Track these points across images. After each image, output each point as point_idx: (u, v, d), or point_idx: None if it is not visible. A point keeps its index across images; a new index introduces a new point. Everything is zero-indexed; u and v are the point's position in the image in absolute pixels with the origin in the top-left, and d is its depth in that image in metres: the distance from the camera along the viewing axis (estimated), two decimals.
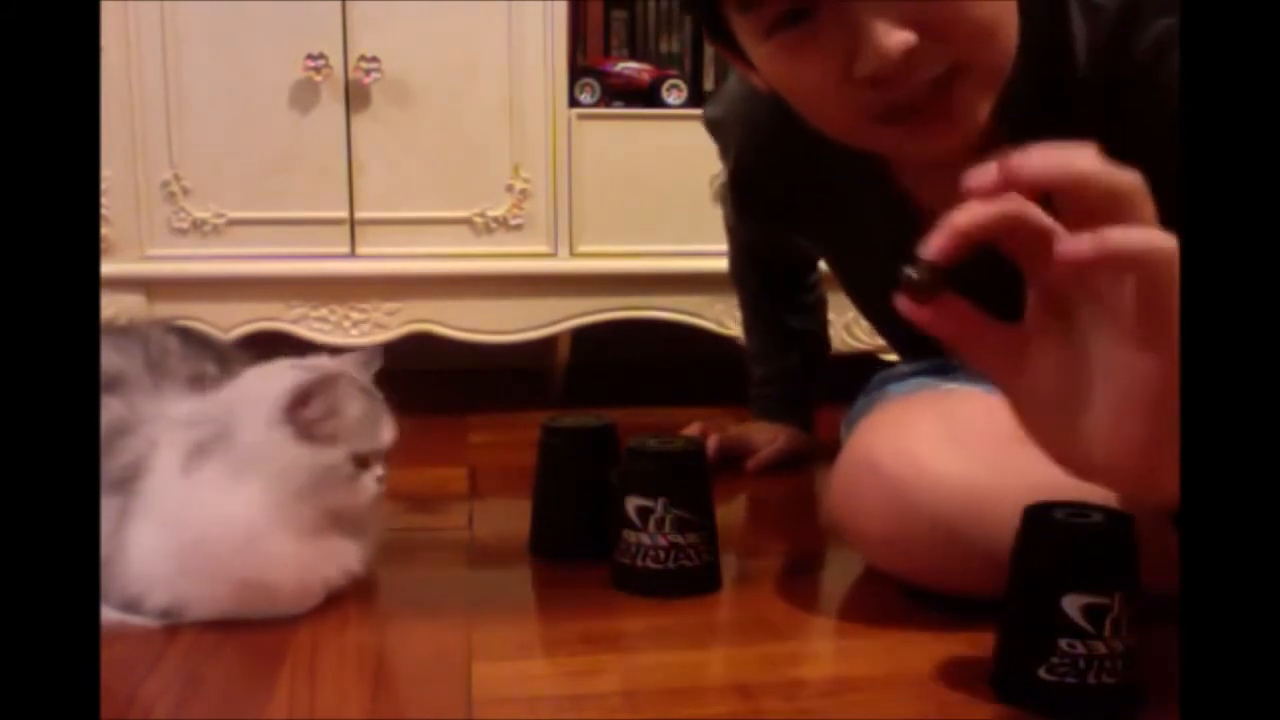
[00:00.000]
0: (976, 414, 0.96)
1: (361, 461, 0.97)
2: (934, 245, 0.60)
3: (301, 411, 0.93)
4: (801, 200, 1.08)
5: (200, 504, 0.92)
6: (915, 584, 0.97)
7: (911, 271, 0.60)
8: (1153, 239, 0.58)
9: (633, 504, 1.01)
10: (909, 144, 0.82)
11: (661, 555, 1.01)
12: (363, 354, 1.05)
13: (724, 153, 1.16)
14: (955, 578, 0.94)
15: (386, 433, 1.00)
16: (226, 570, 0.92)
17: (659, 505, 1.01)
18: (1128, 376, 0.61)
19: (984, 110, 0.80)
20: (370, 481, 0.98)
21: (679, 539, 1.01)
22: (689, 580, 1.02)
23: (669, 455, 1.03)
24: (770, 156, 1.08)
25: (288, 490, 0.93)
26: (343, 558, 0.98)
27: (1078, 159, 0.60)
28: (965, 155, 0.86)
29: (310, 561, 0.96)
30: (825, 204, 1.05)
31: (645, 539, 1.01)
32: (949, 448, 0.92)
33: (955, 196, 0.89)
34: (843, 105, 0.79)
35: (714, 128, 1.17)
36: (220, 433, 0.94)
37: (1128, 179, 0.59)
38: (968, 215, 0.60)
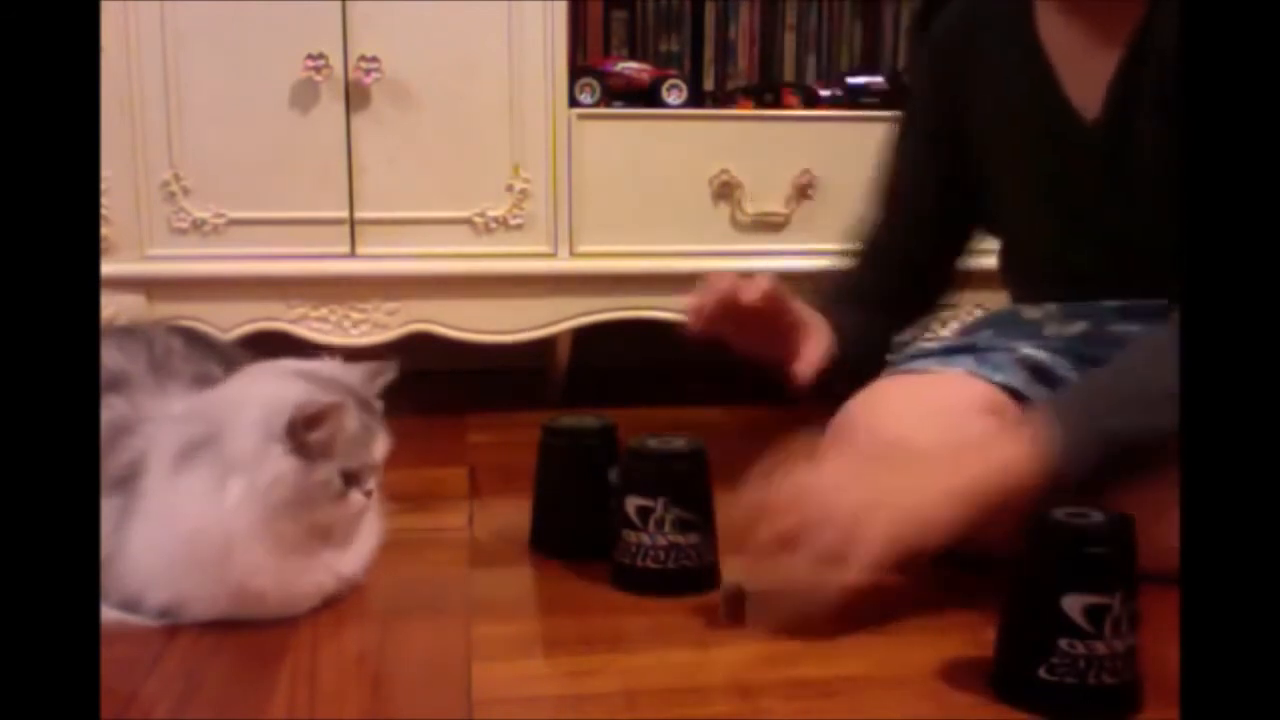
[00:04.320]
0: (945, 391, 1.10)
1: (352, 477, 0.95)
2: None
3: (306, 434, 0.92)
4: (962, 54, 1.17)
5: (185, 506, 0.92)
6: None
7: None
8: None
9: (633, 504, 1.01)
10: None
11: (662, 555, 1.01)
12: (374, 366, 1.02)
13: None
14: None
15: (380, 448, 0.99)
16: (213, 574, 0.92)
17: (659, 505, 1.01)
18: None
19: None
20: (358, 496, 0.96)
21: (679, 539, 1.01)
22: (689, 580, 1.02)
23: (669, 456, 1.03)
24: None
25: (273, 503, 0.91)
26: (334, 565, 0.98)
27: None
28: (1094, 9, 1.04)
29: (293, 574, 0.95)
30: (978, 59, 1.16)
31: (645, 539, 1.01)
32: (905, 420, 1.05)
33: (1076, 50, 1.08)
34: None
35: None
36: (211, 433, 0.93)
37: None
38: None
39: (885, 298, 1.24)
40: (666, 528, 1.01)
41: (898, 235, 1.26)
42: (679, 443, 1.05)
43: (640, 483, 1.02)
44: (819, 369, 1.09)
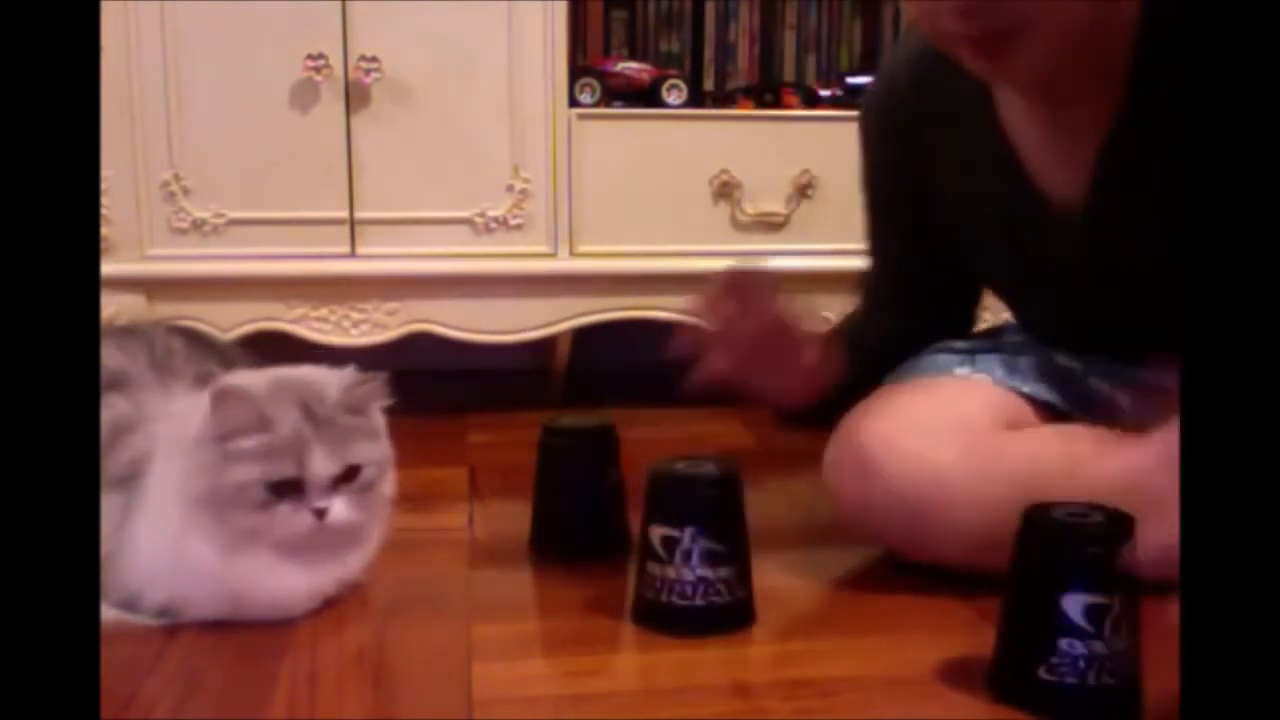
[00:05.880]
0: (966, 404, 1.05)
1: (285, 490, 0.90)
2: None
3: (214, 421, 0.89)
4: (933, 127, 1.10)
5: (163, 504, 0.91)
6: (888, 551, 1.04)
7: None
8: None
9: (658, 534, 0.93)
10: (969, 62, 0.93)
11: (689, 590, 0.93)
12: (354, 376, 0.96)
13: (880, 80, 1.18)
14: (922, 549, 1.01)
15: (321, 462, 0.90)
16: (212, 574, 0.92)
17: (686, 536, 0.92)
18: None
19: (1042, 65, 0.90)
20: (303, 516, 0.90)
21: (708, 573, 0.92)
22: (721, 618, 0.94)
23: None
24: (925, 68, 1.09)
25: (194, 500, 0.90)
26: (334, 566, 0.97)
27: None
28: (1074, 110, 0.97)
29: (293, 575, 0.93)
30: (939, 149, 1.10)
31: (671, 572, 0.93)
32: (925, 433, 1.00)
33: (1046, 145, 1.01)
34: (934, 16, 0.90)
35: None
36: (181, 433, 0.93)
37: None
38: None
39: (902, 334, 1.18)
40: (695, 560, 0.92)
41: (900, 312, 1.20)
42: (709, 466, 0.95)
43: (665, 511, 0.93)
44: (817, 398, 1.08)
